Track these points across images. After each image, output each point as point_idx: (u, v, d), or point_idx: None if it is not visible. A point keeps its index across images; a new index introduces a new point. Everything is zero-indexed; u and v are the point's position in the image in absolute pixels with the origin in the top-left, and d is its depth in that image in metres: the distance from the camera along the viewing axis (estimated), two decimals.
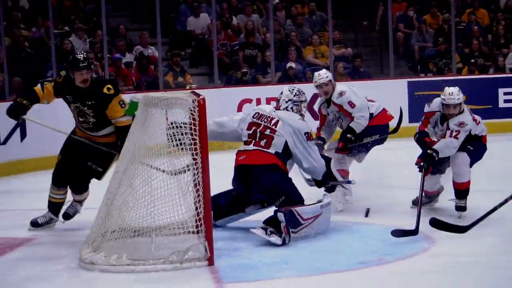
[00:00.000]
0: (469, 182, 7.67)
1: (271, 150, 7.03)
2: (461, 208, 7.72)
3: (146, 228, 6.32)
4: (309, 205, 6.98)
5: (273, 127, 7.10)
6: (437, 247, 6.62)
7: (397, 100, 12.91)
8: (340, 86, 8.47)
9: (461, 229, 6.89)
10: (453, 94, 7.63)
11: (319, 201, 7.11)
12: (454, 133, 7.60)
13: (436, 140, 7.79)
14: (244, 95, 13.06)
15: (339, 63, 14.61)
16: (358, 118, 8.26)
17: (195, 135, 6.15)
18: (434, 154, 7.52)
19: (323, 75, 8.38)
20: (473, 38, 15.21)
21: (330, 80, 8.37)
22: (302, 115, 7.30)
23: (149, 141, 6.41)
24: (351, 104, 8.31)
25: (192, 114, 6.14)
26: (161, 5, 12.97)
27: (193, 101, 6.16)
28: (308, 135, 7.15)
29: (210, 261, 6.19)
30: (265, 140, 7.06)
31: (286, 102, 7.32)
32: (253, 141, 7.08)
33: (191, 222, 6.27)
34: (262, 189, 6.94)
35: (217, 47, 13.68)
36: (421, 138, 7.79)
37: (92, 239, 6.46)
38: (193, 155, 6.17)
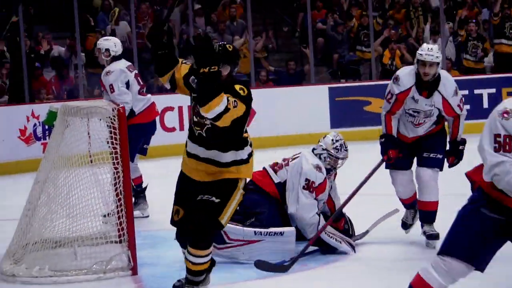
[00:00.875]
0: (437, 202, 6.68)
1: (275, 179, 6.73)
2: (432, 237, 6.64)
3: (68, 238, 6.28)
4: (241, 226, 6.41)
5: (290, 159, 6.80)
6: None
7: (319, 106, 13.12)
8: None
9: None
10: (432, 50, 6.49)
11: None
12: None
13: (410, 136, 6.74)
14: (166, 103, 13.00)
15: (261, 71, 14.70)
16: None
17: (116, 144, 6.12)
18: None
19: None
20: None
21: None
22: (327, 168, 6.63)
23: (70, 151, 6.35)
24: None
25: (112, 123, 6.12)
26: (79, 13, 12.90)
27: (113, 110, 6.14)
28: (308, 183, 6.52)
29: (134, 271, 6.16)
30: (277, 167, 6.82)
31: (323, 149, 6.74)
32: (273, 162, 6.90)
33: (114, 232, 6.24)
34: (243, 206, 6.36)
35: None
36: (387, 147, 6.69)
37: (13, 252, 6.36)
38: (114, 164, 6.14)
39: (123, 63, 8.15)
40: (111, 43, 8.15)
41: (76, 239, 6.27)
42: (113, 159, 6.14)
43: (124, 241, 6.18)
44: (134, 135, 7.37)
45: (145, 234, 7.33)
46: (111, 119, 6.11)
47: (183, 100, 13.08)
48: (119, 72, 8.01)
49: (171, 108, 12.90)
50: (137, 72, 8.32)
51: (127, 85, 8.00)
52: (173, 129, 12.91)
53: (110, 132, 6.13)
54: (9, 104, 12.55)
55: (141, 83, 8.23)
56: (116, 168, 6.14)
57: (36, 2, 14.93)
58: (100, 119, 6.20)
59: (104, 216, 6.52)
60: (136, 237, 6.27)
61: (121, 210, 6.15)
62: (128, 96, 7.94)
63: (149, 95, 8.28)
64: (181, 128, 12.88)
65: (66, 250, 6.25)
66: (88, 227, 6.27)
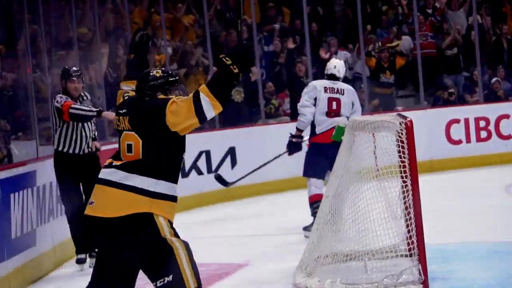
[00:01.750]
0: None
1: None
2: None
3: (358, 252, 6.31)
4: None
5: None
6: None
7: None
8: None
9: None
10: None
11: None
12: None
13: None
14: (452, 116, 12.84)
15: None
16: None
17: (404, 157, 6.09)
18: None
19: None
20: None
21: None
22: None
23: (357, 165, 6.41)
24: None
25: (399, 137, 6.09)
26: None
27: (400, 124, 6.11)
28: None
29: (425, 284, 6.08)
30: None
31: None
32: None
33: (403, 245, 6.20)
34: None
35: None
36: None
37: (305, 264, 6.52)
38: (402, 177, 6.11)
39: (322, 82, 8.66)
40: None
41: (366, 252, 6.29)
42: (401, 173, 6.11)
43: (414, 254, 6.12)
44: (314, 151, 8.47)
45: (434, 248, 7.23)
46: (398, 132, 6.09)
47: (469, 111, 12.95)
48: (311, 87, 8.63)
49: (456, 121, 12.73)
50: (336, 97, 8.55)
51: (315, 101, 8.50)
52: (459, 142, 12.73)
53: (398, 146, 6.11)
54: None
55: (334, 108, 8.52)
56: (404, 182, 6.11)
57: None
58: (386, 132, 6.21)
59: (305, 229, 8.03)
60: (426, 251, 6.20)
61: (411, 224, 6.09)
62: (306, 110, 8.50)
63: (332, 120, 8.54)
64: (468, 140, 12.66)
65: (356, 264, 6.29)
66: (377, 241, 6.27)
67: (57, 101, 7.44)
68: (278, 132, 11.03)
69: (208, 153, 11.45)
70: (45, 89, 9.45)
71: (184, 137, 4.39)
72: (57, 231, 7.93)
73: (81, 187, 7.60)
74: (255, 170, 9.48)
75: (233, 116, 12.43)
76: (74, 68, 7.71)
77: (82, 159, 7.58)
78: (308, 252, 6.57)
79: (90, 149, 7.69)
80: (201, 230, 9.32)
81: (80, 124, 7.56)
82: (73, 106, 7.39)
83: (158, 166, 4.29)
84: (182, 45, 13.16)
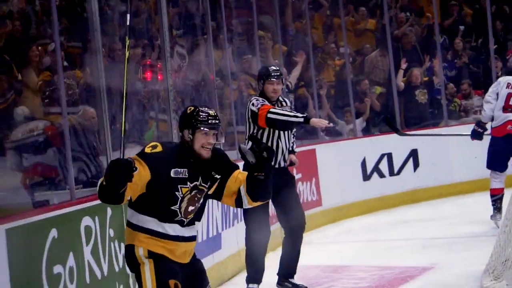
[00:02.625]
0: None
1: None
2: None
3: None
4: None
5: None
6: None
7: None
8: None
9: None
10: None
11: None
12: None
13: None
14: None
15: None
16: None
17: None
18: None
19: None
20: None
21: None
22: None
23: None
24: None
25: None
26: None
27: None
28: None
29: None
30: None
31: None
32: None
33: None
34: None
35: None
36: None
37: (493, 268, 6.33)
38: None
39: (508, 78, 8.84)
40: None
41: None
42: None
43: None
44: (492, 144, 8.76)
45: None
46: None
47: None
48: (496, 83, 8.87)
49: None
50: None
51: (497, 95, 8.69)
52: None
53: None
54: None
55: (510, 104, 8.66)
56: None
57: None
58: None
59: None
60: None
61: None
62: (486, 105, 8.74)
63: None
64: None
65: None
66: None
67: (252, 104, 6.66)
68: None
69: (390, 156, 11.35)
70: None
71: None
72: (242, 235, 8.06)
73: (269, 206, 6.88)
74: (435, 135, 10.10)
75: (416, 118, 12.27)
76: (274, 68, 6.95)
77: (276, 174, 6.20)
78: (495, 255, 6.38)
79: (285, 163, 6.89)
80: (385, 232, 9.23)
81: (277, 133, 6.76)
82: (272, 110, 6.55)
83: (139, 200, 4.39)
84: (361, 49, 13.10)
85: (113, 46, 7.88)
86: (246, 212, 6.76)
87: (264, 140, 6.70)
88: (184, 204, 4.40)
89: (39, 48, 7.21)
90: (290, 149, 6.97)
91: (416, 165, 11.39)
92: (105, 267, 5.49)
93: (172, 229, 4.42)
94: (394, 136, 10.74)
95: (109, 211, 5.65)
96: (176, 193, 4.36)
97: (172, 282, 4.38)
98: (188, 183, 4.38)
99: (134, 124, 7.68)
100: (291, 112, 6.67)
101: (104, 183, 4.13)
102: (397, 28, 13.16)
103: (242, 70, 10.23)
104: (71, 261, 5.21)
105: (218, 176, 4.48)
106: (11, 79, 6.70)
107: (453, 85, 13.06)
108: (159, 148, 4.39)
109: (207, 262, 7.20)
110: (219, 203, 7.50)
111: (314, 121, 6.61)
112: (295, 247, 6.83)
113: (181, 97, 8.68)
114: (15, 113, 6.63)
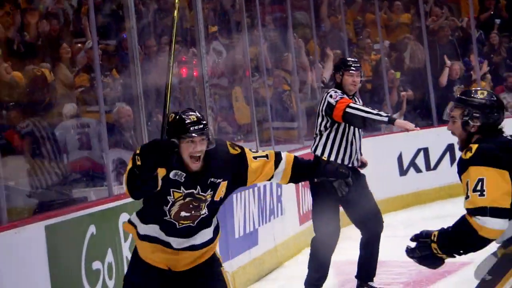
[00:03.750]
0: None
1: None
2: None
3: None
4: None
5: None
6: None
7: None
8: None
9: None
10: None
11: None
12: None
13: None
14: None
15: None
16: None
17: None
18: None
19: None
20: None
21: None
22: None
23: None
24: None
25: None
26: None
27: None
28: None
29: None
30: None
31: None
32: None
33: None
34: None
35: None
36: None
37: None
38: None
39: None
40: None
41: None
42: None
43: None
44: None
45: None
46: None
47: None
48: None
49: None
50: None
51: None
52: None
53: None
54: None
55: None
56: None
57: None
58: None
59: None
60: None
61: None
62: None
63: None
64: None
65: None
66: None
67: (330, 95, 6.26)
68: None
69: (426, 150, 11.29)
70: None
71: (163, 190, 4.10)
72: (278, 230, 8.07)
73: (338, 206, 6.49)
74: None
75: None
76: (352, 59, 6.69)
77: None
78: None
79: (358, 163, 6.50)
80: (422, 227, 9.11)
81: (352, 129, 6.34)
82: (352, 104, 6.15)
83: (143, 208, 4.27)
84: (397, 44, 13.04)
85: (148, 43, 7.92)
86: (314, 212, 6.47)
87: (339, 136, 6.33)
88: (175, 208, 4.09)
89: (75, 45, 7.27)
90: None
91: (453, 160, 11.29)
92: None
93: (165, 233, 4.15)
94: (431, 130, 10.68)
95: None
96: (168, 196, 4.07)
97: None
98: (183, 188, 4.06)
99: None
100: (373, 109, 6.25)
101: (135, 168, 3.85)
102: (432, 22, 13.08)
103: (277, 66, 10.23)
104: (109, 257, 5.26)
105: (219, 181, 4.13)
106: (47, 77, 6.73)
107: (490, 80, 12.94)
108: None
109: (244, 258, 7.22)
110: (255, 199, 7.53)
111: (400, 122, 6.23)
112: (374, 249, 6.49)
113: (217, 94, 8.71)
114: (64, 109, 6.66)
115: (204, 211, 4.13)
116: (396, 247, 8.14)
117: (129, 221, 4.27)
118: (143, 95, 6.53)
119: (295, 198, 8.68)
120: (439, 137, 11.14)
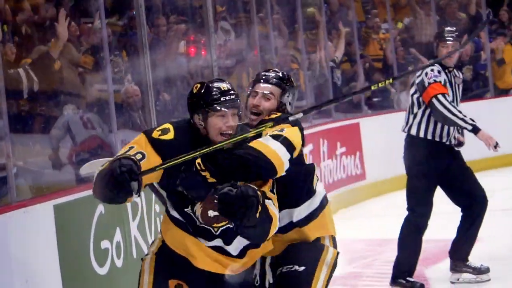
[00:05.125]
0: None
1: None
2: None
3: None
4: None
5: None
6: None
7: None
8: None
9: None
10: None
11: None
12: None
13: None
14: None
15: None
16: None
17: None
18: None
19: None
20: None
21: None
22: None
23: None
24: None
25: None
26: None
27: None
28: None
29: None
30: None
31: None
32: None
33: None
34: None
35: None
36: None
37: None
38: None
39: None
40: None
41: None
42: None
43: None
44: None
45: None
46: None
47: None
48: None
49: None
50: None
51: None
52: None
53: None
54: None
55: None
56: None
57: None
58: None
59: None
60: None
61: None
62: None
63: None
64: None
65: None
66: None
67: (426, 73, 5.92)
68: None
69: None
70: None
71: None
72: None
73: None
74: None
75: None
76: (449, 28, 6.19)
77: (448, 151, 6.07)
78: None
79: (455, 141, 6.10)
80: None
81: (454, 102, 5.99)
82: (440, 97, 5.83)
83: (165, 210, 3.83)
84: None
85: (157, 22, 7.91)
86: (409, 191, 6.14)
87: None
88: (199, 207, 3.54)
89: (84, 25, 7.26)
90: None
91: None
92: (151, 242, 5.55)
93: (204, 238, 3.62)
94: None
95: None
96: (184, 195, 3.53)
97: (172, 283, 3.66)
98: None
99: (178, 99, 7.71)
100: (460, 113, 5.86)
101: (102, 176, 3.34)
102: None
103: (285, 45, 10.21)
104: (118, 236, 5.30)
105: None
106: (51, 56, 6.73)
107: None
108: (170, 134, 3.55)
109: None
110: None
111: (483, 135, 5.87)
112: (476, 228, 6.16)
113: (225, 73, 8.70)
114: (72, 89, 6.67)
115: None
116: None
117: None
118: (151, 74, 6.54)
119: None
120: None
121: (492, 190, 9.59)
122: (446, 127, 5.94)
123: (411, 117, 6.05)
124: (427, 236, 6.08)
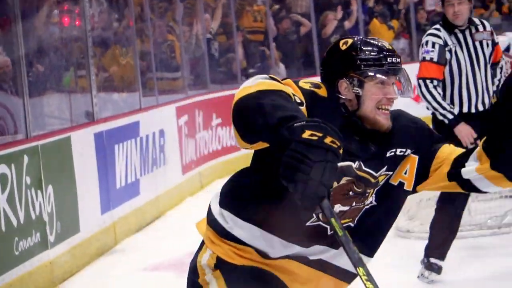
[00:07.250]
0: None
1: None
2: None
3: None
4: None
5: None
6: None
7: None
8: None
9: None
10: None
11: None
12: None
13: None
14: None
15: None
16: None
17: None
18: None
19: None
20: None
21: None
22: None
23: None
24: None
25: None
26: None
27: None
28: None
29: None
30: None
31: None
32: None
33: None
34: None
35: None
36: None
37: (407, 208, 6.48)
38: None
39: None
40: None
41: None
42: None
43: None
44: None
45: None
46: None
47: None
48: None
49: None
50: None
51: None
52: None
53: None
54: None
55: None
56: None
57: None
58: None
59: None
60: None
61: None
62: None
63: None
64: None
65: None
66: None
67: (422, 44, 5.34)
68: None
69: None
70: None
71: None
72: (160, 181, 8.08)
73: None
74: None
75: None
76: None
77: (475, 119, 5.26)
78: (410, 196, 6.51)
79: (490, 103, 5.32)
80: None
81: (466, 68, 5.28)
82: (427, 82, 5.21)
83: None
84: None
85: None
86: None
87: (456, 87, 5.29)
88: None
89: None
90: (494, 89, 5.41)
91: None
92: (21, 215, 5.44)
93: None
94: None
95: (26, 158, 5.60)
96: None
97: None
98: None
99: (52, 70, 7.56)
100: (443, 101, 5.21)
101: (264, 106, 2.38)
102: None
103: (161, 16, 10.14)
104: None
105: (407, 152, 2.63)
106: None
107: None
108: (323, 91, 2.58)
109: (126, 208, 7.23)
110: (138, 149, 7.50)
111: (460, 130, 5.18)
112: None
113: (100, 45, 8.58)
114: None
115: (371, 199, 2.66)
116: None
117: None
118: (23, 45, 6.37)
119: (178, 149, 8.69)
120: None
121: None
122: (465, 94, 5.30)
123: None
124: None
